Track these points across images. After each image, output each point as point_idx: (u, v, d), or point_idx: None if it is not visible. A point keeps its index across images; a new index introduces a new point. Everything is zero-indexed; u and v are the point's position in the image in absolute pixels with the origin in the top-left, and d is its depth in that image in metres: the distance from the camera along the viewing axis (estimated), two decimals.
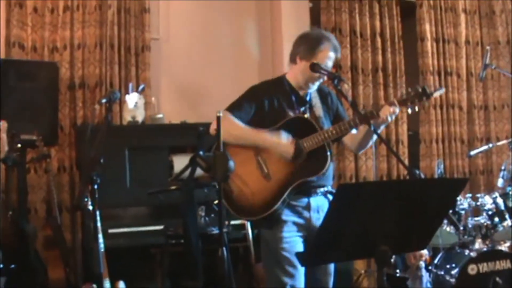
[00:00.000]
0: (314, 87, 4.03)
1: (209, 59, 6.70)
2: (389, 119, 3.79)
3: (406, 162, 7.14)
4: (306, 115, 3.98)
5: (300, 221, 3.90)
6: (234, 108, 3.94)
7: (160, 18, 6.56)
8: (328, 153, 3.84)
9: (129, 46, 6.22)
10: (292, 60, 4.06)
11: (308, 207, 3.92)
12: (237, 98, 4.01)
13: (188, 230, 4.25)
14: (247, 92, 4.04)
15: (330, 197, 3.98)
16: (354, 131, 3.94)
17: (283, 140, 3.83)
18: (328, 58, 3.96)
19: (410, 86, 3.87)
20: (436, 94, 4.00)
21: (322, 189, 3.96)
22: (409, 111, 3.84)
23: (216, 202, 4.42)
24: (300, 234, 3.90)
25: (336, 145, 5.57)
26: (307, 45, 3.99)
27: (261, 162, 3.86)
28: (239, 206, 3.87)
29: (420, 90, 3.77)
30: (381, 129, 3.93)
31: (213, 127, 3.61)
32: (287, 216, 3.87)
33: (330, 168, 3.96)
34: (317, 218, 3.90)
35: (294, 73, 4.05)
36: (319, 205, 3.93)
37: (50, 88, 5.64)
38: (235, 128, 3.87)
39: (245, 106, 3.95)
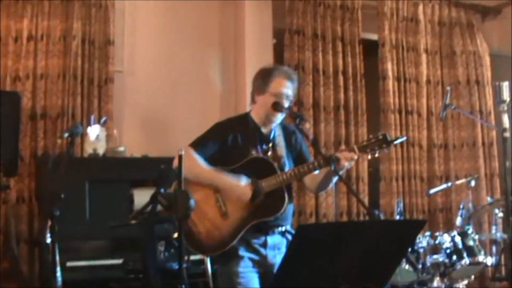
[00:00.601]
0: (277, 121, 4.07)
1: (173, 93, 6.70)
2: (347, 165, 3.81)
3: (367, 199, 7.18)
4: (269, 153, 4.01)
5: (256, 257, 3.95)
6: (198, 145, 3.98)
7: (125, 51, 6.55)
8: (286, 195, 3.88)
9: (93, 77, 6.18)
10: (252, 99, 4.13)
11: (265, 245, 3.96)
12: (202, 134, 4.05)
13: (148, 265, 4.22)
14: (211, 129, 4.08)
15: (289, 236, 4.01)
16: (316, 171, 3.96)
17: (242, 183, 3.89)
18: (283, 85, 4.01)
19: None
20: (397, 142, 4.04)
21: (280, 228, 3.99)
22: (369, 157, 3.88)
23: (175, 236, 4.40)
24: (256, 270, 3.95)
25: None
26: (260, 79, 4.08)
27: (220, 200, 3.91)
28: (197, 242, 3.92)
29: (380, 137, 3.81)
30: (341, 174, 3.92)
31: (174, 164, 3.62)
32: (244, 252, 3.92)
33: (289, 208, 4.01)
34: (273, 256, 3.94)
35: (256, 110, 4.10)
36: (275, 243, 3.98)
37: (11, 117, 5.55)
38: (195, 166, 3.91)
39: (209, 143, 3.99)
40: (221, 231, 3.87)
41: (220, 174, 3.93)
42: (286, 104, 4.02)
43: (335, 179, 4.03)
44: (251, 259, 3.93)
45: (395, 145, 7.38)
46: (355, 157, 3.81)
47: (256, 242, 3.94)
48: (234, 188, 3.88)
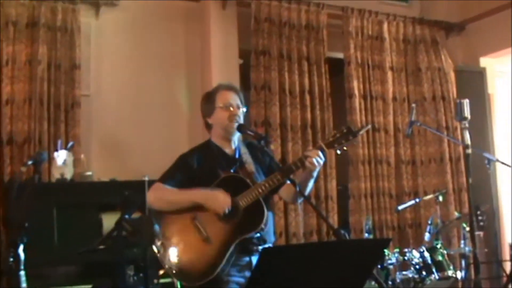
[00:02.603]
0: (237, 134, 4.09)
1: (140, 116, 6.71)
2: (315, 163, 3.80)
3: (336, 217, 7.20)
4: (239, 173, 4.02)
5: (242, 280, 3.90)
6: (166, 179, 3.99)
7: (91, 75, 6.54)
8: (264, 207, 3.87)
9: (59, 102, 6.16)
10: (206, 125, 4.18)
11: (249, 266, 3.93)
12: (168, 168, 4.06)
13: None
14: (177, 161, 4.09)
15: None
16: (288, 182, 3.93)
17: (220, 193, 3.85)
18: (229, 96, 4.09)
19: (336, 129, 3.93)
20: (362, 132, 4.07)
21: (264, 247, 3.95)
22: (338, 152, 3.89)
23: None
24: None
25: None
26: (205, 103, 4.17)
27: (199, 226, 3.87)
28: (184, 273, 3.85)
29: (345, 130, 3.83)
30: (315, 176, 3.97)
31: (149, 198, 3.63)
32: (230, 276, 3.87)
33: (270, 222, 4.00)
34: None
35: (214, 132, 4.14)
36: None
37: None
38: (169, 194, 3.92)
39: (177, 175, 4.00)
40: (206, 256, 3.82)
41: (195, 190, 3.92)
42: (241, 114, 4.07)
43: (310, 184, 4.01)
44: (238, 284, 3.90)
45: (363, 163, 7.44)
46: (318, 152, 3.81)
47: (241, 264, 3.91)
48: (212, 199, 3.85)
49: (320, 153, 3.81)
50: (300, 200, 4.33)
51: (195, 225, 3.87)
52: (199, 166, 4.01)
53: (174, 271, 3.84)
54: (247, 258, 3.93)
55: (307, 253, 2.89)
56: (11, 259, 3.53)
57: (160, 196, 3.71)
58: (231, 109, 4.04)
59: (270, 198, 4.12)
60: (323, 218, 4.63)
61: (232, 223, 3.85)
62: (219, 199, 3.85)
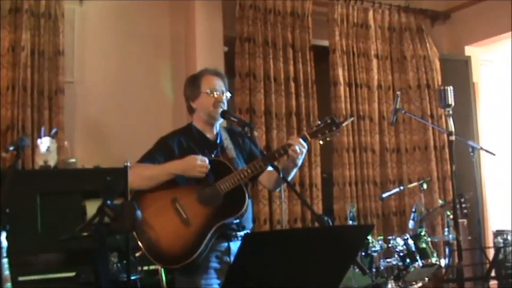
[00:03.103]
0: (220, 120, 4.07)
1: (124, 102, 6.69)
2: (298, 150, 3.79)
3: (320, 205, 7.21)
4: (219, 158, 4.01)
5: (219, 266, 3.88)
6: (145, 159, 3.94)
7: (75, 61, 6.51)
8: (246, 194, 3.86)
9: (43, 89, 6.12)
10: (189, 109, 4.15)
11: (228, 252, 3.91)
12: (148, 150, 4.01)
13: (100, 277, 4.20)
14: (157, 143, 4.05)
15: None
16: (270, 168, 3.92)
17: (195, 158, 3.83)
18: (214, 81, 4.07)
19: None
20: (346, 124, 4.06)
21: (242, 233, 3.95)
22: (321, 142, 3.90)
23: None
24: (219, 282, 3.87)
25: (250, 187, 5.59)
26: (190, 86, 4.14)
27: (179, 208, 3.82)
28: (162, 255, 3.80)
29: (329, 121, 3.83)
30: (299, 164, 3.95)
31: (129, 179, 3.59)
32: (208, 262, 3.84)
33: (249, 209, 3.98)
34: None
35: (197, 116, 4.11)
36: None
37: None
38: (145, 170, 3.87)
39: (156, 156, 3.95)
40: (185, 239, 3.77)
41: (171, 161, 3.89)
42: (225, 100, 4.06)
43: (293, 172, 4.00)
44: (215, 270, 3.88)
45: (348, 151, 7.45)
46: (301, 141, 3.80)
47: (219, 250, 3.89)
48: (191, 163, 3.81)
49: (303, 142, 3.81)
50: (279, 188, 4.35)
51: (175, 207, 3.83)
52: (179, 149, 3.98)
53: (150, 253, 3.79)
54: (225, 244, 3.91)
55: (289, 238, 2.89)
56: None
57: (137, 172, 3.67)
58: (216, 94, 4.02)
59: (248, 185, 4.11)
60: (306, 205, 4.64)
61: (213, 207, 3.82)
62: (196, 164, 3.81)
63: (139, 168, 3.84)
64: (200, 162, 3.82)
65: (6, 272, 3.69)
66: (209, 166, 3.82)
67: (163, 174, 3.87)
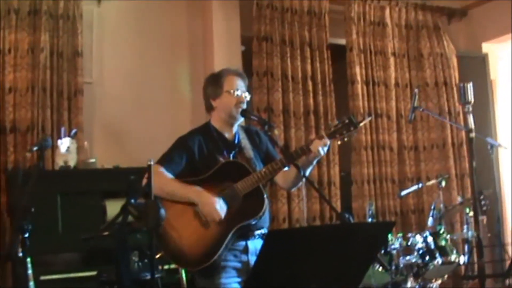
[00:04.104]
0: (240, 119, 4.08)
1: (143, 103, 6.71)
2: (321, 152, 3.80)
3: (339, 203, 7.22)
4: (237, 158, 4.01)
5: (238, 265, 3.89)
6: (165, 161, 3.94)
7: (93, 62, 6.54)
8: (265, 195, 3.87)
9: (62, 90, 6.16)
10: (209, 107, 4.14)
11: (246, 250, 3.91)
12: (167, 150, 4.01)
13: (122, 276, 4.22)
14: (175, 144, 4.05)
15: None
16: (286, 168, 3.93)
17: (217, 202, 3.82)
18: (236, 83, 4.05)
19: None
20: (364, 123, 4.05)
21: (259, 232, 3.96)
22: (339, 142, 3.90)
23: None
24: (239, 280, 3.89)
25: (268, 187, 5.59)
26: (211, 84, 4.11)
27: (198, 211, 3.84)
28: (183, 257, 3.84)
29: (347, 121, 3.82)
30: (315, 163, 3.97)
31: (144, 182, 3.59)
32: (226, 261, 3.85)
33: (267, 210, 3.98)
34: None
35: (217, 115, 4.10)
36: (257, 248, 3.90)
37: None
38: (166, 184, 3.86)
39: (175, 158, 3.95)
40: (205, 240, 3.79)
41: (194, 188, 3.88)
42: (246, 99, 4.05)
43: (308, 170, 4.00)
44: (234, 268, 3.88)
45: (366, 149, 7.44)
46: (327, 142, 3.81)
47: (237, 249, 3.89)
48: (211, 204, 3.79)
49: (328, 142, 3.81)
50: (294, 188, 4.36)
51: (195, 209, 3.85)
52: (198, 149, 3.98)
53: (171, 256, 3.84)
54: (243, 243, 3.91)
55: (311, 236, 2.91)
56: (18, 246, 3.52)
57: (160, 183, 3.65)
58: (239, 95, 4.02)
59: (266, 185, 4.11)
60: (326, 202, 4.62)
61: (232, 209, 3.83)
62: (215, 208, 3.81)
63: (162, 179, 3.82)
64: (219, 209, 3.81)
65: (29, 271, 3.71)
66: (222, 218, 3.81)
67: (183, 198, 3.87)
